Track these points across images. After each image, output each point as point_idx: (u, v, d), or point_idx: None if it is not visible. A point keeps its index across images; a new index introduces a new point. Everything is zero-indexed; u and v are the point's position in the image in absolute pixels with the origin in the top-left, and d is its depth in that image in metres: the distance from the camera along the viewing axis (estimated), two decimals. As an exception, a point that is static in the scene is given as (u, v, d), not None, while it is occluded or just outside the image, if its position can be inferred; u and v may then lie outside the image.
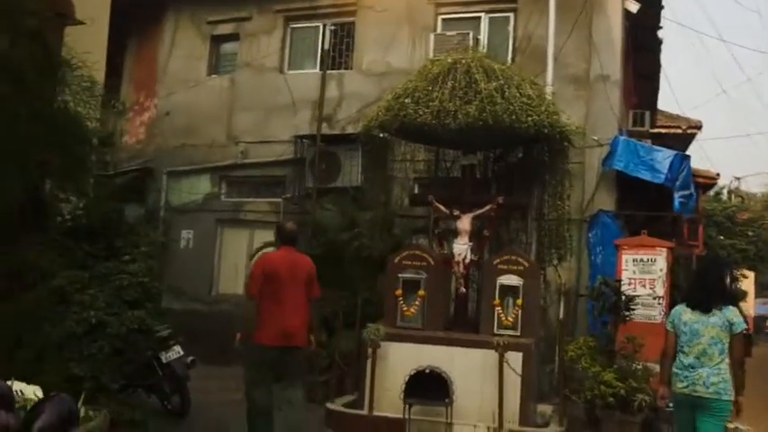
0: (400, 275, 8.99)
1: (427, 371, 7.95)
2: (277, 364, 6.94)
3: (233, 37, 14.38)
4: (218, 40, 14.56)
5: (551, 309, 10.70)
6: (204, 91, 14.24)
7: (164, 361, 8.26)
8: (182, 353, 8.43)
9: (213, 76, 14.46)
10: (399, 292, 8.93)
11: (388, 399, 8.13)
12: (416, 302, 8.87)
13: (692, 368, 5.71)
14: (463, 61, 8.76)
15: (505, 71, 8.80)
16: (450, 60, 8.86)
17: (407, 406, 7.86)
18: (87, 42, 6.91)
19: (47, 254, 5.84)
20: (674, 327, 5.96)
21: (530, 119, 8.34)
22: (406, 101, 8.68)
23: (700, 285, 6.01)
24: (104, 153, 15.26)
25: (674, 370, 5.87)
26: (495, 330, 8.55)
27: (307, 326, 7.16)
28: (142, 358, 6.30)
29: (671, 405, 7.69)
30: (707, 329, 5.75)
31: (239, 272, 13.29)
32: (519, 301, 8.60)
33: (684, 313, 5.92)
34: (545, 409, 8.87)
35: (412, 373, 7.92)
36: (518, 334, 8.48)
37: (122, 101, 15.53)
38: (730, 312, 5.83)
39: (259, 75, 13.89)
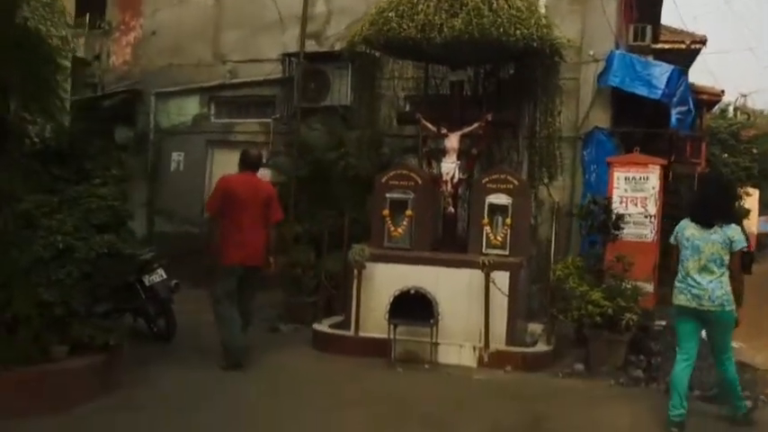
0: (387, 195, 8.86)
1: (412, 291, 7.87)
2: (239, 280, 7.35)
3: (217, -50, 13.84)
4: (202, -45, 14.03)
5: (543, 228, 10.55)
6: (189, 8, 13.76)
7: (147, 284, 8.17)
8: (165, 276, 8.32)
9: (198, -8, 13.97)
10: (387, 212, 8.81)
11: (374, 320, 8.08)
12: (404, 223, 8.77)
13: (696, 282, 5.78)
14: (450, -28, 8.35)
15: (494, -18, 8.39)
16: (436, -29, 8.44)
17: (392, 326, 7.82)
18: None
19: (11, 177, 5.64)
20: (678, 241, 6.05)
21: (518, 32, 8.01)
22: (390, 14, 8.35)
23: (702, 201, 6.08)
24: (90, 75, 15.15)
25: (676, 284, 5.97)
26: (484, 250, 8.46)
27: (265, 247, 7.45)
28: (112, 282, 6.17)
29: (662, 323, 7.65)
30: (707, 246, 5.84)
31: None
32: (508, 221, 8.49)
33: (688, 228, 5.99)
34: (535, 327, 8.85)
35: (396, 293, 7.83)
36: (506, 253, 8.41)
37: (108, 20, 15.17)
38: (731, 230, 5.89)
39: (245, -10, 13.41)
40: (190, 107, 13.87)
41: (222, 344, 7.35)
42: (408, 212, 8.76)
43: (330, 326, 8.66)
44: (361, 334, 8.21)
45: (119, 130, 14.04)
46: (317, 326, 8.66)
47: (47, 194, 5.97)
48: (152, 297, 8.21)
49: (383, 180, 8.94)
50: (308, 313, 9.46)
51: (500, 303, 7.93)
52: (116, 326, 6.11)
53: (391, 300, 7.80)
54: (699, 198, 6.26)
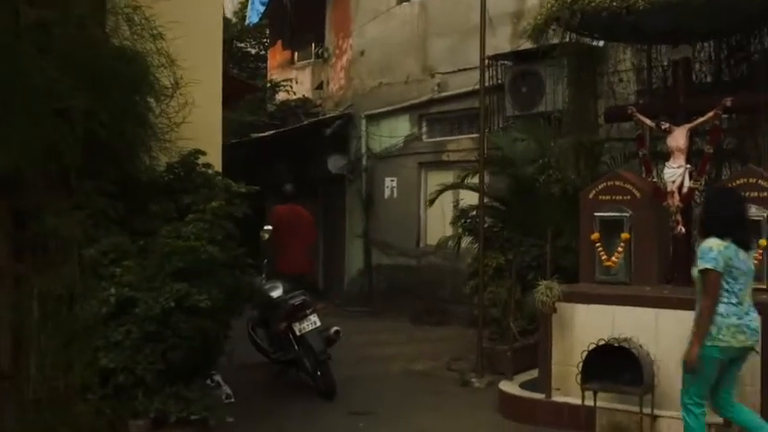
0: (596, 214, 6.95)
1: (616, 344, 5.83)
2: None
3: (421, -43, 12.71)
4: (406, -38, 13.00)
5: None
6: (395, 21, 12.76)
7: (297, 333, 7.02)
8: (318, 323, 7.09)
9: (403, 3, 12.88)
10: (596, 235, 6.91)
11: (574, 379, 6.13)
12: (620, 249, 6.77)
13: (748, 316, 4.87)
14: None
15: None
16: None
17: (592, 392, 5.85)
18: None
19: (72, 220, 4.73)
20: (727, 267, 4.79)
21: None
22: (577, -17, 6.48)
23: (738, 220, 4.97)
24: (312, 105, 14.84)
25: (731, 321, 4.77)
26: (728, 283, 6.17)
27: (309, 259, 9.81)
28: (186, 343, 4.96)
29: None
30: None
31: (446, 219, 11.72)
32: (763, 241, 6.17)
33: (729, 249, 4.79)
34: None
35: (590, 348, 5.85)
36: (764, 286, 6.05)
37: (326, 47, 14.76)
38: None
39: (450, -6, 12.05)
40: (400, 127, 12.80)
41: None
42: (624, 235, 6.77)
43: (521, 384, 6.85)
44: (555, 398, 6.30)
45: (332, 159, 13.44)
46: (503, 385, 6.89)
47: (120, 237, 4.98)
48: (305, 348, 7.03)
49: (590, 195, 7.03)
50: (510, 364, 7.68)
51: (749, 363, 5.58)
52: (202, 395, 4.88)
53: (583, 356, 5.83)
54: (735, 214, 5.00)
